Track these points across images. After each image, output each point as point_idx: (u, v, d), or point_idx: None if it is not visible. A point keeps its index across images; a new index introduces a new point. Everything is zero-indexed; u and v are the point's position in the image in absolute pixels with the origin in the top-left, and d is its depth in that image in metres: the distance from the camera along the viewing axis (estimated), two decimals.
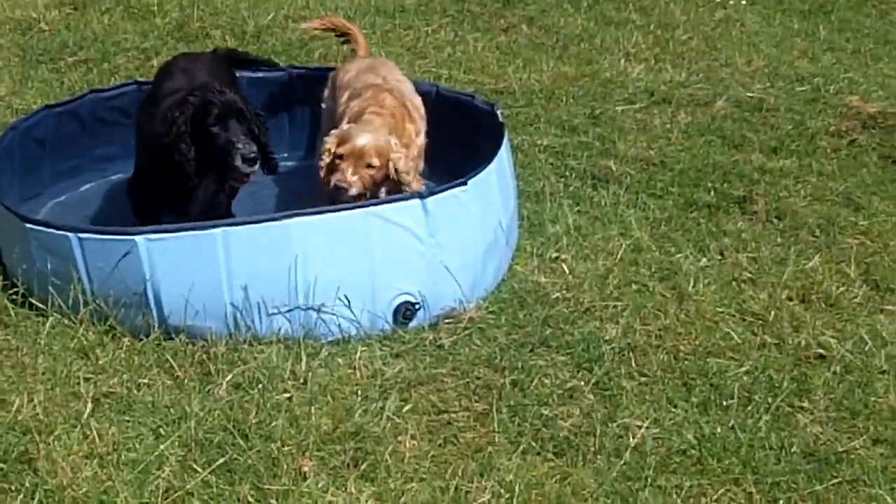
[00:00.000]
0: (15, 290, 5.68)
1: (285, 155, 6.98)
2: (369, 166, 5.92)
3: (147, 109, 6.09)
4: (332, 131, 6.11)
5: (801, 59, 8.60)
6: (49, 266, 5.47)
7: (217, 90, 5.80)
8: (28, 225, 5.54)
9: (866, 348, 5.53)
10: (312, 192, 6.36)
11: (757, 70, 8.38)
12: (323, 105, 6.85)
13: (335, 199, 5.90)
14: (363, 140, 5.92)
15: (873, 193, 6.88)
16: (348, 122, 6.18)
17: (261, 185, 6.44)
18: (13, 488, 4.55)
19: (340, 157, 5.91)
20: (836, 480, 4.75)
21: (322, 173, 6.04)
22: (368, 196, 5.96)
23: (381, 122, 6.10)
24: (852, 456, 4.87)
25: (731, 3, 9.55)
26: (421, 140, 6.33)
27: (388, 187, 6.12)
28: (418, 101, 6.46)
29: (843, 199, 6.81)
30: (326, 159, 6.00)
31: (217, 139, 5.71)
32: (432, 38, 8.69)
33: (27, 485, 4.56)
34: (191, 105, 5.73)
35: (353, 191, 5.90)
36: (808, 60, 8.59)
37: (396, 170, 5.98)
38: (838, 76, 8.31)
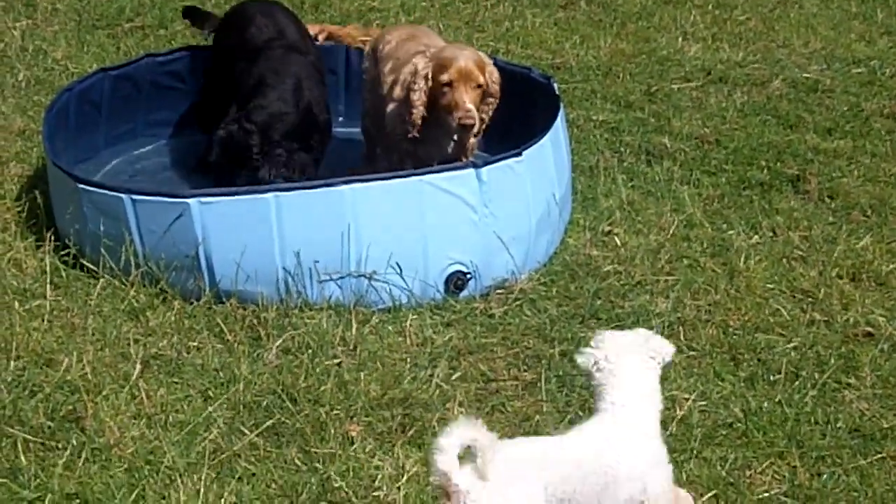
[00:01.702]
0: (66, 251, 5.70)
1: (341, 119, 7.01)
2: (479, 86, 5.73)
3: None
4: (420, 59, 5.80)
5: (858, 42, 8.53)
6: (101, 227, 5.50)
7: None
8: (81, 186, 5.56)
9: None
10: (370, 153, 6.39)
11: (814, 52, 8.32)
12: (364, 76, 6.67)
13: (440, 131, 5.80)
14: (464, 58, 5.70)
15: None
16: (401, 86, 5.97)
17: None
18: (60, 446, 4.58)
19: (449, 83, 5.67)
20: (880, 456, 4.73)
21: (414, 104, 5.72)
22: None
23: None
24: None
25: None
26: None
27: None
28: None
29: None
30: (422, 85, 5.71)
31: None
32: (491, 12, 8.67)
33: (74, 443, 4.59)
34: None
35: (476, 124, 5.68)
36: (865, 43, 8.52)
37: (493, 82, 5.79)
38: (894, 60, 8.22)
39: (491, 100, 5.84)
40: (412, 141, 5.88)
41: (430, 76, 5.71)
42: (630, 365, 3.88)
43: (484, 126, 5.91)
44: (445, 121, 5.75)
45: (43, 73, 7.44)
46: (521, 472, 3.56)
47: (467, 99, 5.67)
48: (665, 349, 3.99)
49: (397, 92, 5.95)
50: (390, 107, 6.00)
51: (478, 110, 5.72)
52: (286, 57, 6.37)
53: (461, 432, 3.44)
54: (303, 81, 6.27)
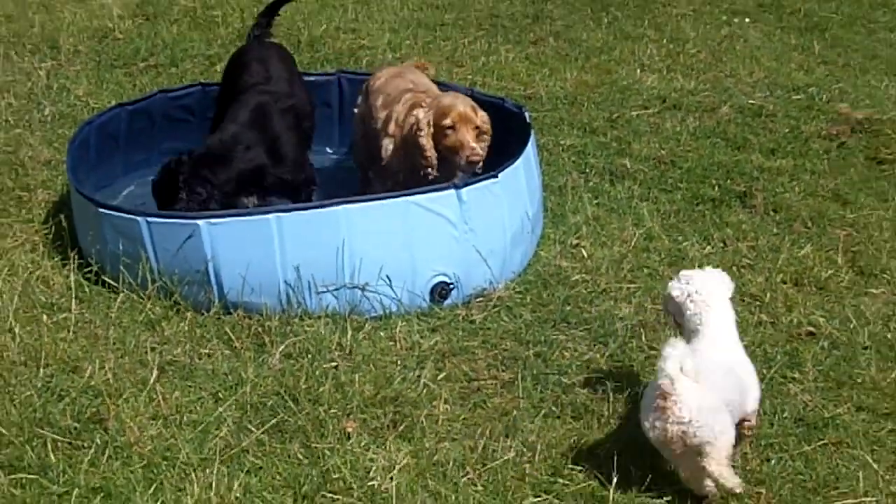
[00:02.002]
0: (89, 269, 5.68)
1: (331, 150, 7.02)
2: (477, 128, 5.75)
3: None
4: (420, 110, 5.80)
5: (798, 71, 8.54)
6: (120, 247, 5.49)
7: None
8: (102, 210, 5.56)
9: (851, 326, 5.50)
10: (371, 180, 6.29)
11: (758, 80, 8.33)
12: (356, 110, 6.66)
13: (450, 175, 5.75)
14: (462, 103, 5.74)
15: (860, 190, 6.82)
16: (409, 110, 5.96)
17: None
18: (85, 445, 4.58)
19: (452, 126, 5.68)
20: (822, 443, 4.75)
21: (426, 148, 5.71)
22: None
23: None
24: (837, 421, 4.87)
25: (736, 20, 9.49)
26: None
27: None
28: None
29: (833, 195, 6.76)
30: (427, 131, 5.70)
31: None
32: (468, 48, 8.66)
33: (98, 442, 4.59)
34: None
35: (481, 160, 5.71)
36: (804, 72, 8.53)
37: (485, 122, 5.81)
38: (830, 86, 8.24)
39: (486, 137, 5.85)
40: (418, 177, 5.83)
41: (431, 122, 5.73)
42: (720, 296, 4.64)
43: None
44: (451, 160, 5.76)
45: (66, 108, 7.42)
46: (711, 378, 4.24)
47: (470, 138, 5.69)
48: (732, 284, 4.77)
49: (392, 129, 5.97)
50: (385, 141, 6.01)
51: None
52: (251, 100, 6.21)
53: (681, 350, 4.13)
54: (257, 126, 6.09)
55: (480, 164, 5.74)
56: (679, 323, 4.73)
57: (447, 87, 6.63)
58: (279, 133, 6.09)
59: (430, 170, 5.79)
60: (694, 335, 4.57)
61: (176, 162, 5.88)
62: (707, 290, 4.63)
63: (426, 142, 5.74)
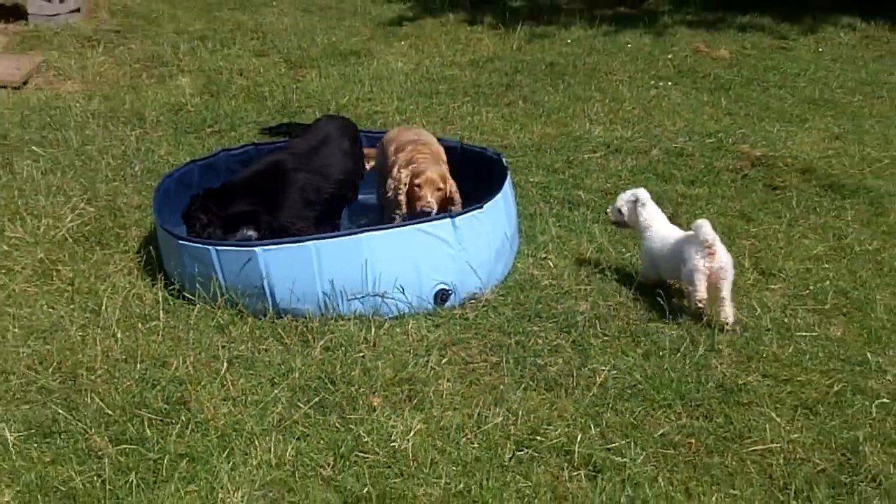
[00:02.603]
0: (172, 287, 5.68)
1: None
2: (439, 189, 5.81)
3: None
4: (404, 170, 5.89)
5: (709, 121, 8.55)
6: (196, 270, 5.49)
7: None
8: (181, 241, 5.55)
9: (756, 314, 5.49)
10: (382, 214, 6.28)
11: (679, 129, 8.34)
12: (372, 163, 6.71)
13: (416, 216, 5.78)
14: (432, 171, 5.82)
15: (759, 210, 6.81)
16: (399, 168, 6.01)
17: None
18: (173, 421, 4.61)
19: (419, 185, 5.78)
20: (737, 402, 4.78)
21: (402, 200, 5.85)
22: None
23: (430, 160, 6.01)
24: (748, 387, 4.89)
25: (661, 84, 9.50)
26: (451, 184, 6.17)
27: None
28: (441, 151, 6.33)
29: (739, 214, 6.75)
30: (404, 188, 5.82)
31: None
32: (458, 111, 8.68)
33: (183, 419, 4.62)
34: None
35: (434, 210, 5.76)
36: (714, 122, 8.54)
37: (451, 190, 5.87)
38: (735, 132, 8.25)
39: (455, 205, 5.89)
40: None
41: (409, 182, 5.82)
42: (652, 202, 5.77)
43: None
44: (415, 206, 5.83)
45: (151, 165, 7.43)
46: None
47: (428, 195, 5.76)
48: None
49: (395, 172, 5.98)
50: (390, 181, 6.01)
51: (441, 209, 5.81)
52: (272, 157, 6.18)
53: (706, 225, 5.30)
54: (265, 178, 6.00)
55: (433, 213, 5.75)
56: (628, 224, 5.83)
57: (443, 140, 6.62)
58: (282, 187, 5.93)
59: (396, 214, 5.90)
60: (647, 229, 5.71)
61: (193, 196, 5.89)
62: (647, 198, 5.74)
63: (402, 197, 5.84)
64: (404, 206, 5.90)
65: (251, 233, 5.86)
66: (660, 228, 5.69)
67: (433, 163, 5.98)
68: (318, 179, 6.06)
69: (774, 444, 4.44)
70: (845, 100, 9.18)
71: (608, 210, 6.04)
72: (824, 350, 5.17)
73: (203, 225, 5.77)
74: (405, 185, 5.86)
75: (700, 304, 5.31)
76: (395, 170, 6.01)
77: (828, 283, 5.82)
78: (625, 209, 5.81)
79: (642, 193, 5.77)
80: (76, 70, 9.71)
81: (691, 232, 5.41)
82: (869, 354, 5.12)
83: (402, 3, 12.97)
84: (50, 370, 4.96)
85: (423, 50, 10.66)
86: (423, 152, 6.06)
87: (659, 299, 5.57)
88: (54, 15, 11.12)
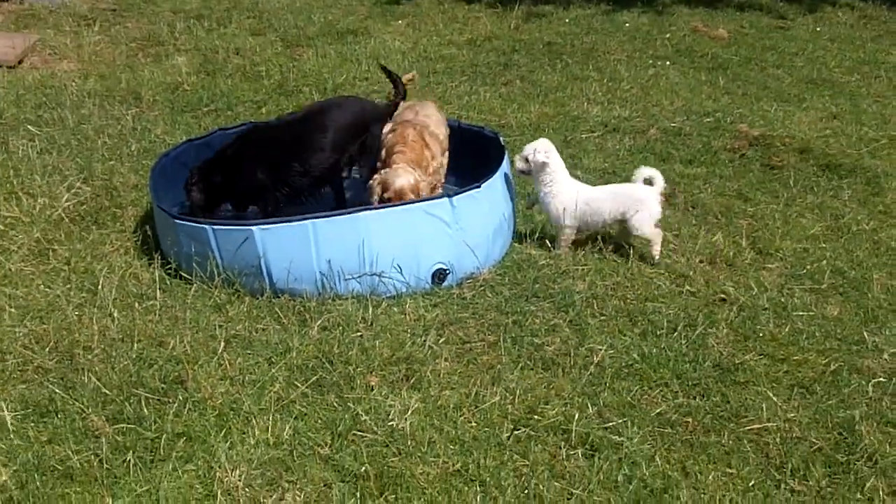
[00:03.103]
0: (169, 266, 5.66)
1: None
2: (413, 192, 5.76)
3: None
4: (375, 176, 5.88)
5: (707, 101, 8.52)
6: (192, 249, 5.47)
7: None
8: (177, 220, 5.52)
9: (753, 293, 5.51)
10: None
11: (677, 108, 8.31)
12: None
13: None
14: (400, 183, 5.73)
15: (757, 189, 6.81)
16: (384, 156, 6.01)
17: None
18: (171, 401, 4.60)
19: (389, 199, 5.71)
20: (734, 381, 4.79)
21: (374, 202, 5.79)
22: None
23: (405, 158, 5.90)
24: (745, 366, 4.90)
25: (659, 63, 9.46)
26: (437, 162, 6.15)
27: None
28: (441, 131, 6.29)
29: (737, 194, 6.74)
30: (376, 200, 5.77)
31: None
32: (455, 90, 8.63)
33: (180, 398, 4.61)
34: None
35: None
36: (712, 101, 8.51)
37: (420, 191, 5.79)
38: (732, 111, 8.23)
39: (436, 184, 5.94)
40: None
41: (379, 194, 5.77)
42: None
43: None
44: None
45: (148, 144, 7.40)
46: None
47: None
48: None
49: (383, 154, 6.00)
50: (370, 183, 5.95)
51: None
52: (246, 131, 6.28)
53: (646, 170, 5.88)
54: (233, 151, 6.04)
55: None
56: (531, 173, 5.90)
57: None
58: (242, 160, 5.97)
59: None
60: (552, 182, 5.86)
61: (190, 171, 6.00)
62: (553, 150, 5.88)
63: (375, 200, 5.78)
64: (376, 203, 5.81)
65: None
66: (565, 180, 5.91)
67: (407, 165, 5.87)
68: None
69: (771, 423, 4.45)
70: (843, 79, 9.16)
71: (516, 159, 6.00)
72: (821, 329, 5.17)
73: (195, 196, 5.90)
74: (377, 196, 5.78)
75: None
76: (383, 151, 5.98)
77: (825, 262, 5.82)
78: (531, 157, 5.88)
79: (548, 144, 5.90)
80: (72, 49, 9.65)
81: (630, 184, 5.89)
82: (865, 334, 5.12)
83: None
84: (47, 350, 4.95)
85: (421, 29, 10.60)
86: (404, 141, 5.99)
87: (656, 279, 5.58)
88: None
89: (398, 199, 5.69)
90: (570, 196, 5.83)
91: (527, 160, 5.87)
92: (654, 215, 5.79)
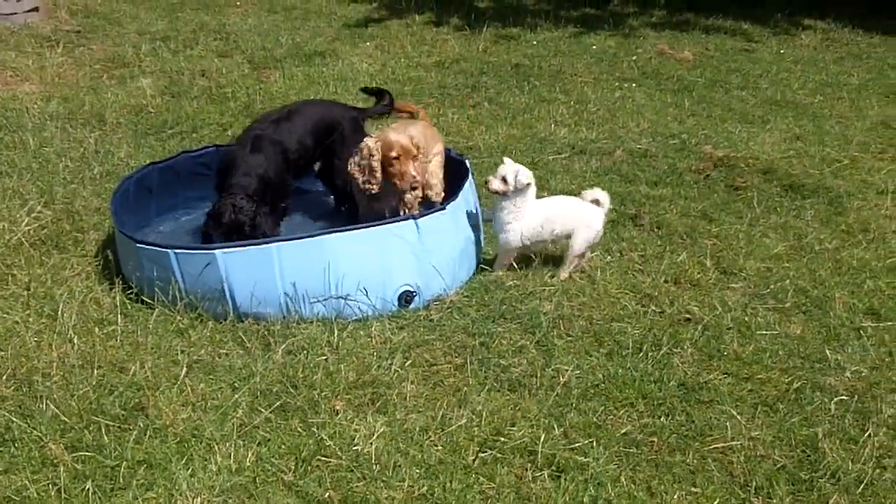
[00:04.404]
0: (131, 291, 5.61)
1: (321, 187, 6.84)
2: (415, 157, 5.73)
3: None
4: (367, 140, 5.75)
5: (673, 122, 8.60)
6: (154, 273, 5.41)
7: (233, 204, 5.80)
8: (139, 245, 5.47)
9: (718, 313, 5.52)
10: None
11: (643, 130, 8.38)
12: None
13: (389, 187, 5.78)
14: (402, 137, 5.70)
15: (721, 210, 6.85)
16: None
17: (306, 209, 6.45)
18: (131, 428, 4.54)
19: (397, 158, 5.64)
20: (698, 401, 4.80)
21: (377, 167, 5.68)
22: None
23: (399, 126, 5.96)
24: (709, 385, 4.90)
25: (626, 86, 9.55)
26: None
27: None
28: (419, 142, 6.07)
29: (702, 214, 6.78)
30: (377, 156, 5.65)
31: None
32: (425, 112, 8.64)
33: (141, 425, 4.56)
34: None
35: (420, 184, 5.79)
36: (678, 123, 8.59)
37: (418, 147, 5.77)
38: (697, 133, 8.31)
39: (420, 158, 5.87)
40: (370, 197, 5.88)
41: (379, 150, 5.71)
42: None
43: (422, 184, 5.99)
44: (394, 184, 5.75)
45: (111, 167, 7.35)
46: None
47: (410, 167, 5.68)
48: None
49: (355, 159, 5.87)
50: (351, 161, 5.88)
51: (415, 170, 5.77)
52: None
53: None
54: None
55: (419, 189, 5.87)
56: (505, 193, 5.72)
57: None
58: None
59: (373, 187, 5.77)
60: (523, 205, 5.74)
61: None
62: (524, 171, 5.69)
63: (377, 165, 5.71)
64: (379, 175, 5.73)
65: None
66: (533, 204, 5.83)
67: (400, 127, 5.87)
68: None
69: (735, 442, 4.46)
70: (806, 101, 9.28)
71: (489, 181, 5.77)
72: (784, 348, 5.20)
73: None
74: (377, 152, 5.67)
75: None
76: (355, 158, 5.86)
77: (788, 281, 5.86)
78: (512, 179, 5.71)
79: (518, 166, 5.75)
80: (34, 70, 9.60)
81: (579, 200, 5.89)
82: (828, 352, 5.16)
83: (367, 3, 12.95)
84: (4, 377, 4.87)
85: (389, 51, 10.64)
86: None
87: (622, 299, 5.60)
88: (11, 14, 10.99)
89: (406, 156, 5.65)
90: (534, 220, 5.78)
91: (505, 181, 5.73)
92: (595, 237, 5.84)
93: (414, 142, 5.75)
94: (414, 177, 5.70)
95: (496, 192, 5.77)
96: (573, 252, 5.78)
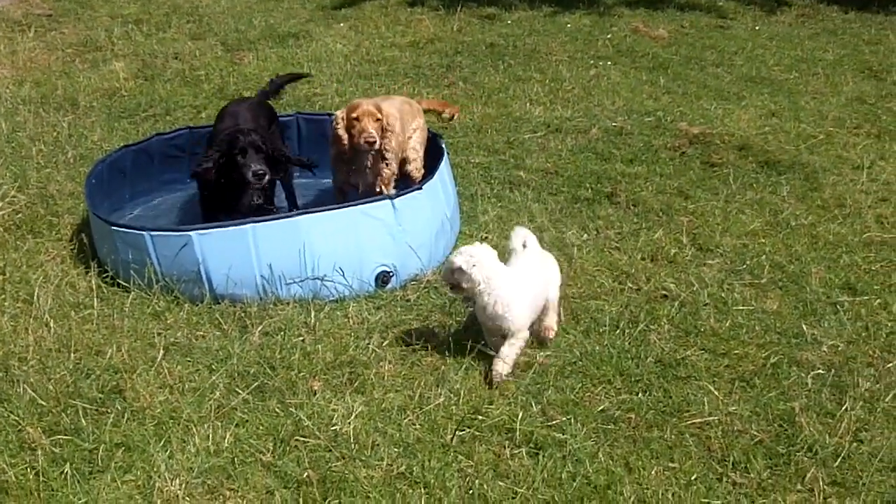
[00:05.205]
0: (106, 274, 5.59)
1: (296, 173, 6.76)
2: (377, 120, 5.81)
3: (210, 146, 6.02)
4: (338, 111, 5.97)
5: (648, 100, 8.59)
6: (130, 256, 5.40)
7: (245, 131, 5.72)
8: (114, 228, 5.45)
9: (694, 289, 5.53)
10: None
11: (618, 108, 8.36)
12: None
13: (363, 158, 5.86)
14: (366, 104, 5.84)
15: (697, 187, 6.85)
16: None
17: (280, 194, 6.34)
18: (109, 411, 4.54)
19: (357, 118, 5.76)
20: (676, 377, 4.82)
21: (343, 134, 5.83)
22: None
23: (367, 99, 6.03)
24: (687, 361, 4.93)
25: (601, 64, 9.52)
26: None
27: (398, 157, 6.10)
28: (395, 125, 6.05)
29: (678, 192, 6.78)
30: (342, 123, 5.82)
31: (237, 163, 5.65)
32: (398, 93, 8.55)
33: (118, 408, 4.55)
34: (224, 142, 5.69)
35: (377, 141, 5.79)
36: (653, 100, 8.58)
37: (388, 121, 5.88)
38: (673, 110, 8.30)
39: (388, 133, 5.90)
40: (347, 171, 5.96)
41: (344, 116, 5.83)
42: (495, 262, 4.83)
43: (390, 158, 5.98)
44: (359, 146, 5.82)
45: (84, 151, 7.29)
46: None
47: (369, 125, 5.76)
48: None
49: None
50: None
51: (381, 138, 5.84)
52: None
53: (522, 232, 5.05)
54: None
55: (376, 143, 5.83)
56: (463, 287, 4.78)
57: None
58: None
59: (344, 153, 5.89)
60: (498, 286, 4.76)
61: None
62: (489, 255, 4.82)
63: (342, 131, 5.85)
64: (346, 140, 5.85)
65: None
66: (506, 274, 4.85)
67: (378, 99, 5.96)
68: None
69: (712, 417, 4.48)
70: (781, 77, 9.29)
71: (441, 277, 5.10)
72: (761, 323, 5.23)
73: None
74: (342, 119, 5.85)
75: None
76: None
77: (764, 257, 5.88)
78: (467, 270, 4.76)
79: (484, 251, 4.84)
80: (6, 55, 9.49)
81: (542, 252, 5.11)
82: (804, 327, 5.19)
83: None
84: None
85: (363, 31, 10.58)
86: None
87: (598, 276, 5.61)
88: None
89: (367, 117, 5.76)
90: (521, 286, 4.83)
91: (454, 273, 4.78)
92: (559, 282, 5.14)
93: (381, 109, 5.85)
94: (371, 133, 5.78)
95: (452, 291, 4.92)
96: (551, 306, 5.02)
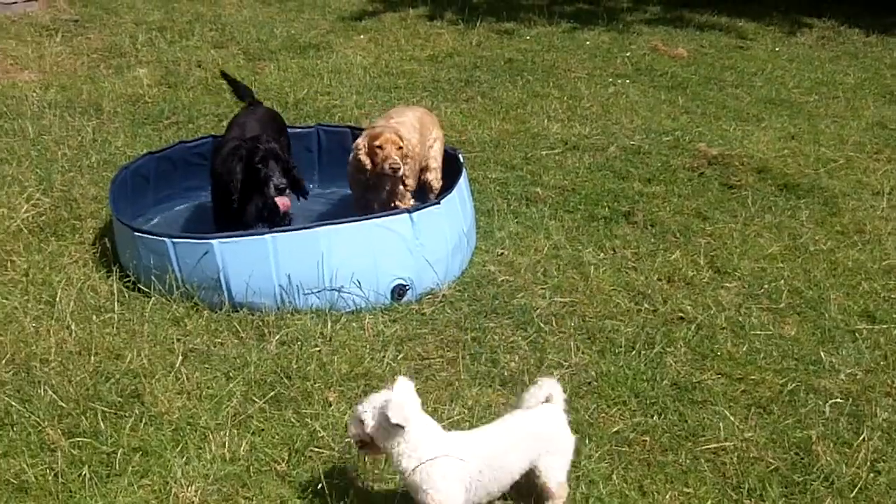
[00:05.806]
0: (128, 279, 5.62)
1: (315, 185, 6.85)
2: (399, 148, 5.83)
3: (216, 154, 6.05)
4: (360, 139, 5.97)
5: (667, 119, 8.59)
6: (151, 262, 5.43)
7: (265, 139, 5.76)
8: (137, 233, 5.49)
9: (711, 312, 5.53)
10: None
11: (637, 127, 8.37)
12: None
13: (383, 181, 5.90)
14: (388, 132, 5.85)
15: (715, 208, 6.86)
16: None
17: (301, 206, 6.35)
18: (127, 415, 4.55)
19: (380, 147, 5.79)
20: (691, 400, 4.81)
21: (365, 160, 5.85)
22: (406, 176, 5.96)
23: (384, 125, 6.02)
24: (702, 385, 4.91)
25: (619, 82, 9.54)
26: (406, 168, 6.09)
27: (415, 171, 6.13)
28: (412, 136, 6.14)
29: (695, 213, 6.78)
30: (364, 150, 5.84)
31: (259, 174, 5.67)
32: (417, 105, 8.64)
33: (137, 412, 4.57)
34: (244, 150, 5.71)
35: (402, 168, 5.81)
36: (671, 120, 8.59)
37: (409, 148, 5.91)
38: (691, 130, 8.31)
39: (409, 160, 5.92)
40: (364, 189, 5.99)
41: (366, 144, 5.85)
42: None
43: (410, 181, 6.01)
44: (382, 172, 5.84)
45: (108, 156, 7.35)
46: None
47: (392, 153, 5.76)
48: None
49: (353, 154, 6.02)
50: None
51: (403, 164, 5.86)
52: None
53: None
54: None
55: (401, 170, 5.84)
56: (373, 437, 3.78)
57: None
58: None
59: (364, 175, 5.93)
60: (418, 443, 3.74)
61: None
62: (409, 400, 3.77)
63: (365, 158, 5.87)
64: (368, 166, 5.87)
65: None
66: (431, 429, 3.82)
67: (387, 126, 5.99)
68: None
69: (728, 443, 4.47)
70: (801, 100, 9.28)
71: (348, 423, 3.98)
72: (778, 349, 5.21)
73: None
74: (364, 146, 5.86)
75: None
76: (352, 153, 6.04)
77: (782, 282, 5.87)
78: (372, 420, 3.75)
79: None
80: (33, 59, 9.57)
81: (533, 413, 3.98)
82: (822, 353, 5.17)
83: None
84: (3, 362, 4.88)
85: (383, 44, 10.62)
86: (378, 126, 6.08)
87: (615, 296, 5.61)
88: (11, 3, 10.98)
89: (389, 145, 5.78)
90: (467, 451, 3.79)
91: (362, 422, 3.75)
92: (569, 458, 4.02)
93: (402, 136, 5.88)
94: (396, 161, 5.80)
95: (359, 444, 3.87)
96: (545, 482, 3.97)
